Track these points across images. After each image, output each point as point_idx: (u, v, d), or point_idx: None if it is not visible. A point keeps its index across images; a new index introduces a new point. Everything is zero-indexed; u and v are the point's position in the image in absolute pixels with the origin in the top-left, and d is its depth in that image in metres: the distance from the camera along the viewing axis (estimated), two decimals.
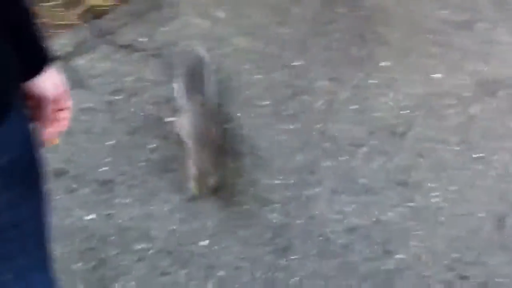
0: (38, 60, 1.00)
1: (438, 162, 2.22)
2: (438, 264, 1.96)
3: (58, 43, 2.51)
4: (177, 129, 2.16)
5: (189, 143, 2.10)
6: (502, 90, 2.50)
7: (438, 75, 2.54)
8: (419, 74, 2.54)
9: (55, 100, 1.03)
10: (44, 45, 0.99)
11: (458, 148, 2.27)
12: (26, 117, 0.98)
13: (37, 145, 1.02)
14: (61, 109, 1.06)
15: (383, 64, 2.58)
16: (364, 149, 2.26)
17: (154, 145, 2.19)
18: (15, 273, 1.08)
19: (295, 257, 1.95)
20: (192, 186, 2.00)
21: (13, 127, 0.93)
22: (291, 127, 2.31)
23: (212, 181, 2.01)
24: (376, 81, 2.50)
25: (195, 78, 2.25)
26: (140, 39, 2.55)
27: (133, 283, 1.84)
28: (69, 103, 1.06)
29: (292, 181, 2.14)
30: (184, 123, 2.15)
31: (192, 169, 2.02)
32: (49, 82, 1.01)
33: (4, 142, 0.92)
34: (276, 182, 2.14)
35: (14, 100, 0.94)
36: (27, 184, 1.02)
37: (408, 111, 2.40)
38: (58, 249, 1.86)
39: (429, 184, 2.15)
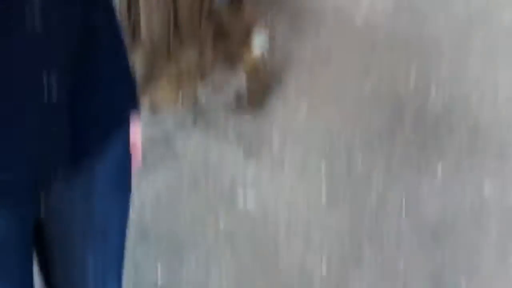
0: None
1: (471, 267, 2.38)
2: None
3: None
4: None
5: None
6: None
7: (489, 189, 2.70)
8: (470, 185, 2.71)
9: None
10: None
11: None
12: (129, 132, 1.15)
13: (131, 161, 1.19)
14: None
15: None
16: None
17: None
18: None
19: None
20: None
21: (125, 136, 1.13)
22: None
23: None
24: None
25: None
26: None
27: None
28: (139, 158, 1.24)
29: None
30: None
31: None
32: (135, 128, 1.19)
33: (115, 147, 1.11)
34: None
35: (130, 113, 1.13)
36: (121, 186, 1.19)
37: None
38: None
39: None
